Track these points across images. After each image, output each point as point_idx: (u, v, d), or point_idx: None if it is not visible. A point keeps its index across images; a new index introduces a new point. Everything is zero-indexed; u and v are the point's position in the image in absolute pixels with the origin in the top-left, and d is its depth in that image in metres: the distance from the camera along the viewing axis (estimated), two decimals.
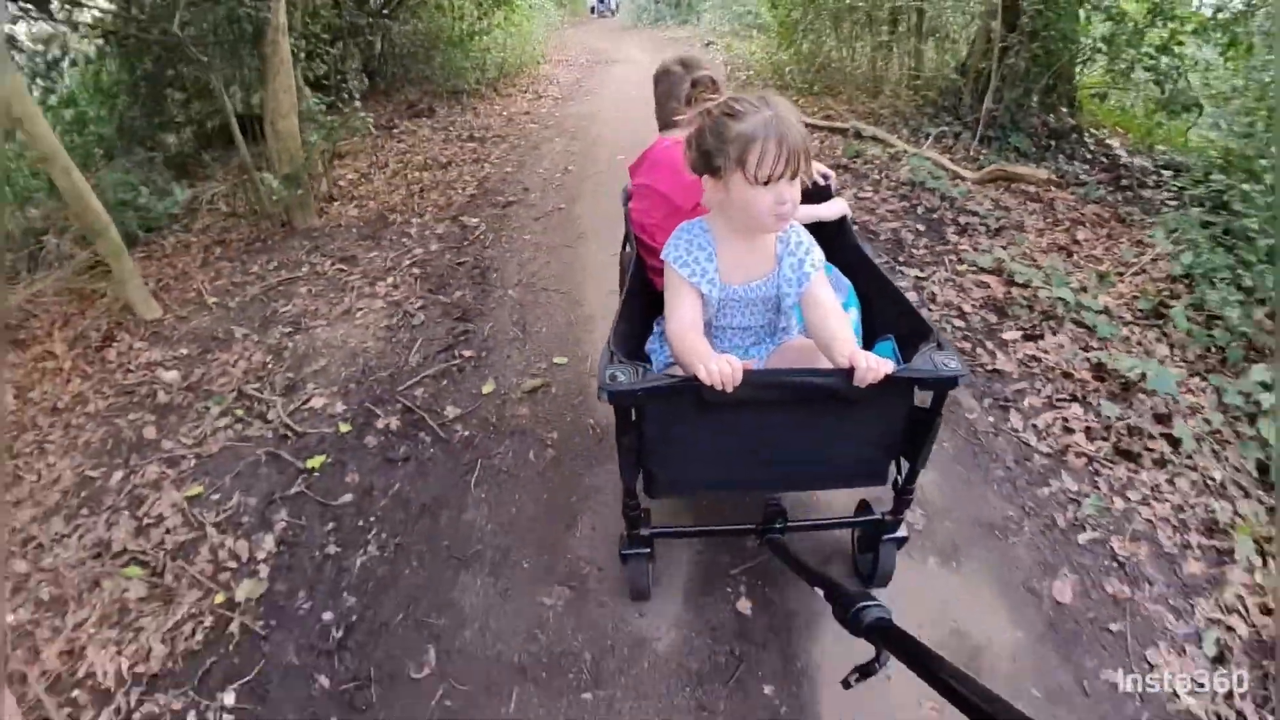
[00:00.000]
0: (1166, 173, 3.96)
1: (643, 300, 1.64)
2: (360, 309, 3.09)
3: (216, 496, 2.10)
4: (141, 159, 4.15)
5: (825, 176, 1.90)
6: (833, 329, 1.26)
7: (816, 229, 1.53)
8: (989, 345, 2.51)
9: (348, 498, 2.03)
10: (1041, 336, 2.50)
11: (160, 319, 3.21)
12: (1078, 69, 4.67)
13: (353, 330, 2.92)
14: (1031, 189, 3.87)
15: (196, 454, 2.29)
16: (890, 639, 0.99)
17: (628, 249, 1.80)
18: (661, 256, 1.36)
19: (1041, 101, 4.53)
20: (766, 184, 1.19)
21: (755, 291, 1.37)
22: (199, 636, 1.69)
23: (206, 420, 2.44)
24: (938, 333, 1.25)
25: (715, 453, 1.32)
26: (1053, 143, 4.44)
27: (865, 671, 1.01)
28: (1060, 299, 2.60)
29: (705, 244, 1.34)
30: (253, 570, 1.85)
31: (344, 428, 2.31)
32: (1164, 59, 3.71)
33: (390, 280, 3.35)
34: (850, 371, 1.11)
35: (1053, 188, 3.86)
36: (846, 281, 1.71)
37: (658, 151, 1.71)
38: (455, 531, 1.90)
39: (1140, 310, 2.62)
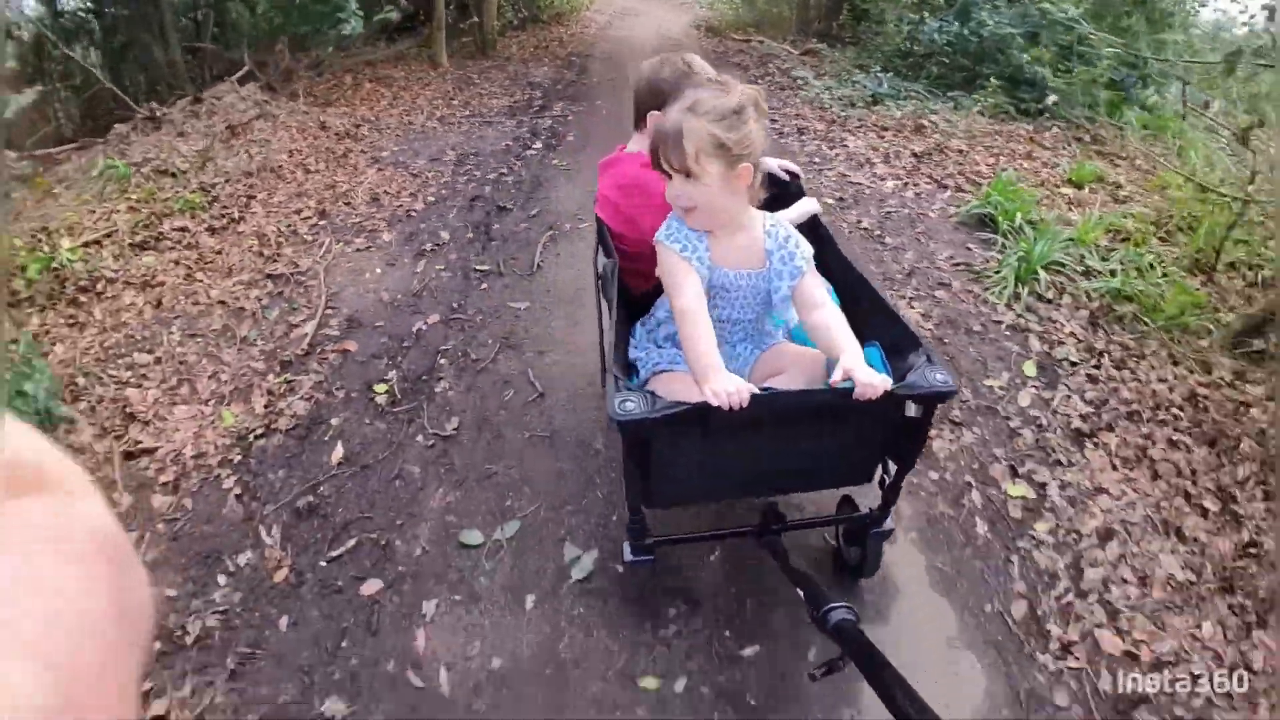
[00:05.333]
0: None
1: (624, 311, 1.65)
2: (542, 69, 8.01)
3: (510, 94, 6.90)
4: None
5: (791, 173, 1.93)
6: (834, 333, 1.32)
7: None
8: (769, 88, 7.34)
9: (580, 110, 6.89)
10: (779, 83, 7.34)
11: (448, 69, 7.99)
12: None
13: (543, 71, 7.88)
14: (818, 56, 8.72)
15: (499, 88, 7.10)
16: (847, 640, 1.08)
17: (601, 258, 1.76)
18: (655, 239, 1.41)
19: (848, 22, 9.42)
20: (670, 176, 1.34)
21: (746, 279, 1.42)
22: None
23: (497, 83, 7.26)
24: (927, 345, 1.31)
25: (713, 465, 1.40)
26: (851, 42, 9.29)
27: (830, 667, 1.11)
28: (797, 74, 7.44)
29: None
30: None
31: (549, 85, 7.19)
32: None
33: (546, 67, 8.23)
34: (849, 389, 1.18)
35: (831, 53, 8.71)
36: (825, 282, 1.76)
37: (617, 161, 1.84)
38: (617, 126, 6.74)
39: (821, 73, 7.44)
